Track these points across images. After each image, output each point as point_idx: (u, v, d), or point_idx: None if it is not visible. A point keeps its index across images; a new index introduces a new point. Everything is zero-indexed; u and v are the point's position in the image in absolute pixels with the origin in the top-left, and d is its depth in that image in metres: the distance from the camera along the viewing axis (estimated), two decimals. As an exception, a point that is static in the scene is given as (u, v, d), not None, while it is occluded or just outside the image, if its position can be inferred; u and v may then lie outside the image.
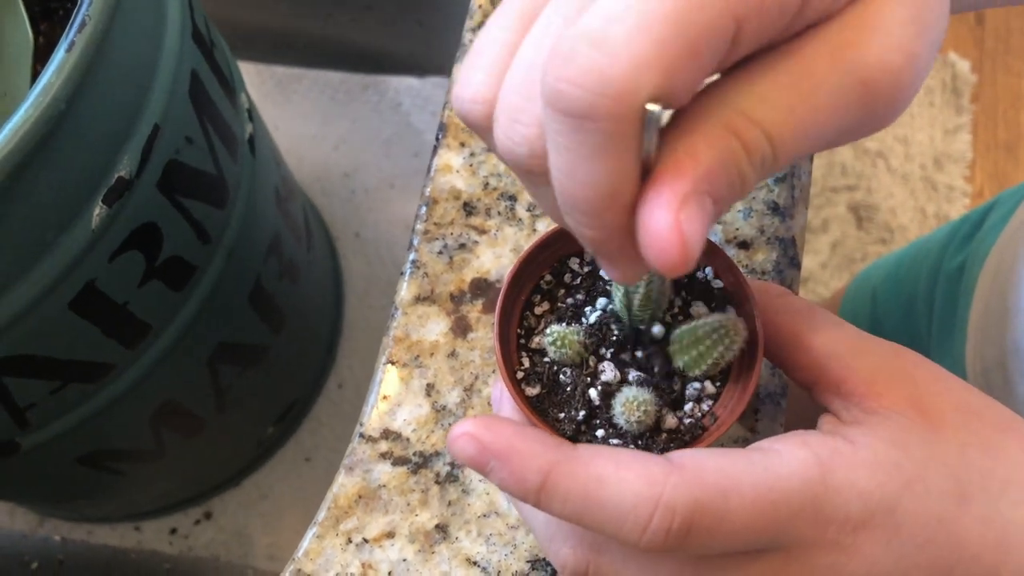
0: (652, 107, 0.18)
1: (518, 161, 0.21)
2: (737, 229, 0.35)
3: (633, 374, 0.27)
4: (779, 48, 0.20)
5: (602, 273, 0.29)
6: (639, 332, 0.27)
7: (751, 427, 0.33)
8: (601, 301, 0.28)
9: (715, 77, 0.21)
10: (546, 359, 0.27)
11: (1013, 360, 0.41)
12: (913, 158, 1.31)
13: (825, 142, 0.21)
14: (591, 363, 0.27)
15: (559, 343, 0.26)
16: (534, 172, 0.21)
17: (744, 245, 0.35)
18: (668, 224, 0.19)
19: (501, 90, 0.21)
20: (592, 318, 0.28)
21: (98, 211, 0.35)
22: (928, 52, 0.21)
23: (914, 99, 1.36)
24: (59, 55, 0.29)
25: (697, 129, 0.20)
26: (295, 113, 0.72)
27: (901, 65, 0.20)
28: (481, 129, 0.22)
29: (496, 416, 0.24)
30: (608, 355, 0.27)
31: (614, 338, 0.27)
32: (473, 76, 0.22)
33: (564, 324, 0.27)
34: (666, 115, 0.19)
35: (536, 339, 0.28)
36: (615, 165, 0.19)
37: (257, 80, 0.73)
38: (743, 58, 0.21)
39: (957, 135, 1.32)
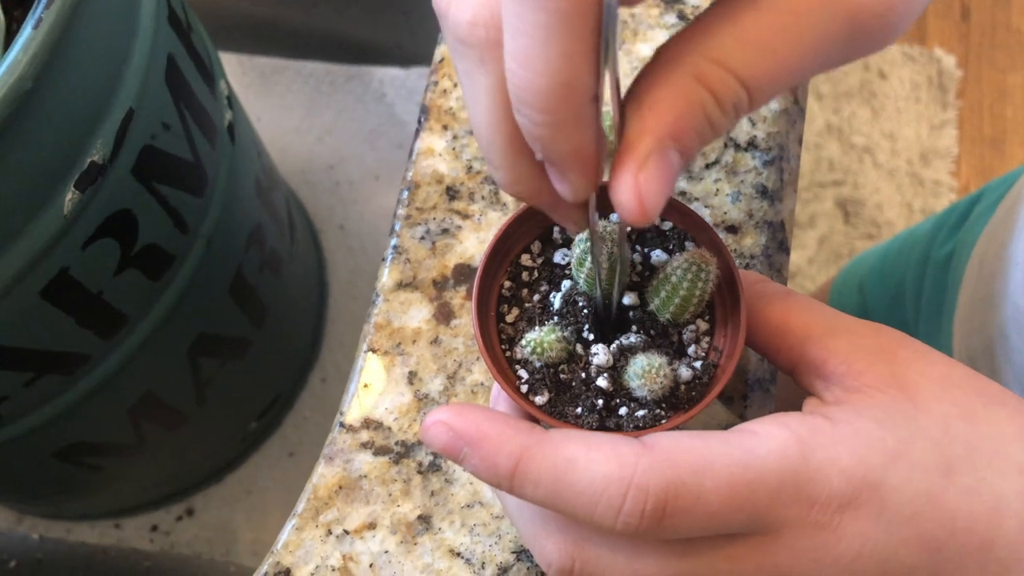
0: None
1: (458, 32, 0.20)
2: (725, 213, 0.35)
3: (630, 340, 0.26)
4: None
5: (556, 259, 0.28)
6: (611, 303, 0.27)
7: (740, 414, 0.33)
8: (565, 284, 0.28)
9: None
10: (538, 364, 0.27)
11: (1000, 346, 0.41)
12: (899, 153, 1.31)
13: (806, 77, 0.21)
14: (580, 352, 0.27)
15: (538, 350, 0.26)
16: (472, 46, 0.20)
17: (732, 229, 0.35)
18: (628, 188, 0.20)
19: None
20: (557, 303, 0.27)
21: (70, 196, 0.34)
22: None
23: (900, 94, 1.37)
24: (26, 31, 0.29)
25: (665, 81, 0.20)
26: (278, 104, 0.71)
27: None
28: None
29: (469, 404, 0.24)
30: (592, 337, 0.27)
31: (586, 313, 0.27)
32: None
33: (536, 327, 0.27)
34: None
35: (519, 349, 0.27)
36: (570, 50, 0.19)
37: (240, 71, 0.72)
38: None
39: (943, 130, 1.33)
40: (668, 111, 0.20)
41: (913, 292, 0.56)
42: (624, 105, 0.20)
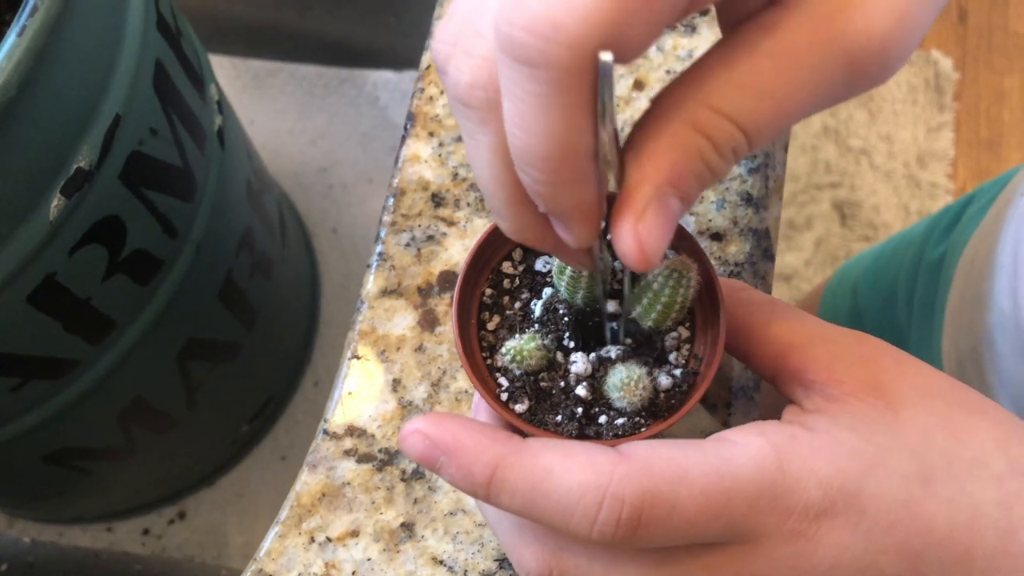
0: (605, 57, 0.18)
1: (458, 92, 0.21)
2: (710, 220, 0.35)
3: (611, 351, 0.26)
4: (757, 22, 0.20)
5: (537, 267, 0.28)
6: (593, 310, 0.27)
7: (724, 421, 0.33)
8: (546, 292, 0.28)
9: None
10: (518, 372, 0.27)
11: (986, 350, 0.41)
12: (896, 156, 1.31)
13: (804, 117, 0.21)
14: (560, 360, 0.27)
15: (518, 358, 0.26)
16: (472, 108, 0.21)
17: (717, 237, 0.35)
18: (629, 237, 0.20)
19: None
20: (538, 310, 0.27)
21: (56, 203, 0.34)
22: (921, 11, 0.20)
23: (898, 97, 1.37)
24: (10, 39, 0.29)
25: (663, 130, 0.20)
26: (271, 107, 0.71)
27: (888, 30, 0.19)
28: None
29: (447, 413, 0.24)
30: (572, 345, 0.27)
31: (567, 321, 0.27)
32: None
33: (517, 336, 0.27)
34: (609, 55, 0.19)
35: (499, 357, 0.27)
36: (566, 116, 0.19)
37: (233, 74, 0.72)
38: (721, 36, 0.20)
39: (940, 133, 1.33)
40: (665, 159, 0.20)
41: (905, 294, 0.56)
42: (623, 154, 0.21)
